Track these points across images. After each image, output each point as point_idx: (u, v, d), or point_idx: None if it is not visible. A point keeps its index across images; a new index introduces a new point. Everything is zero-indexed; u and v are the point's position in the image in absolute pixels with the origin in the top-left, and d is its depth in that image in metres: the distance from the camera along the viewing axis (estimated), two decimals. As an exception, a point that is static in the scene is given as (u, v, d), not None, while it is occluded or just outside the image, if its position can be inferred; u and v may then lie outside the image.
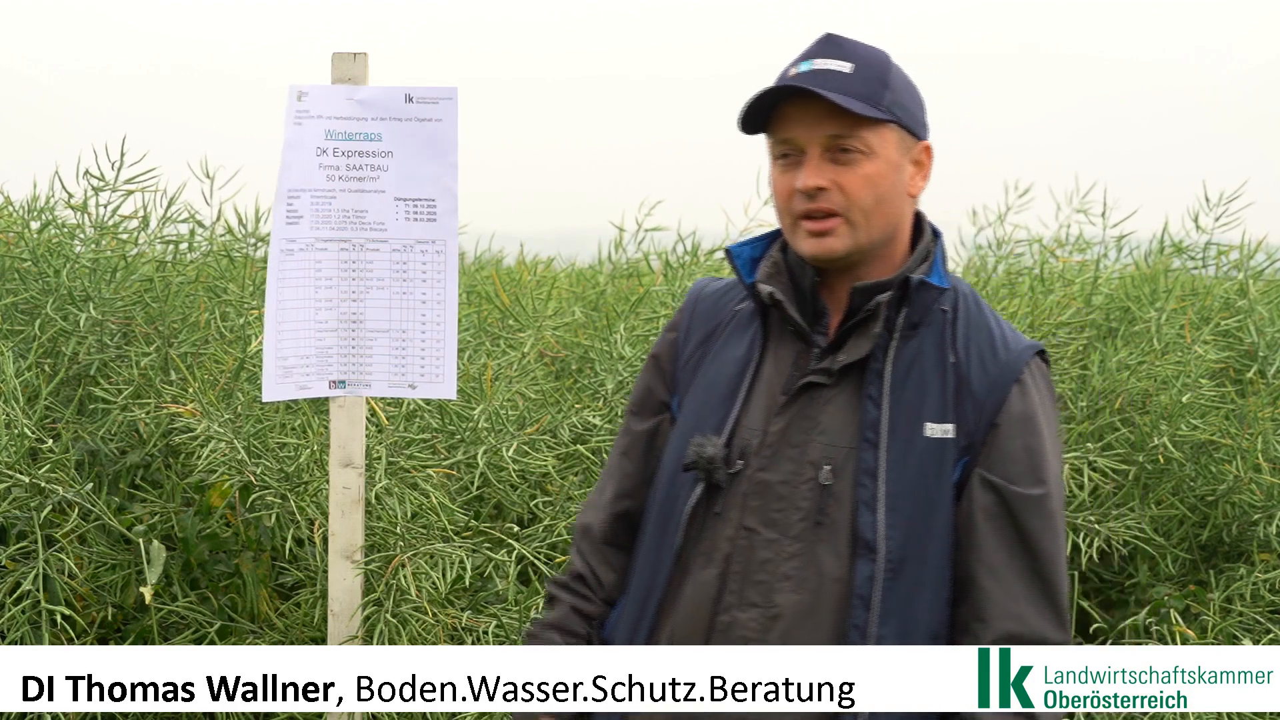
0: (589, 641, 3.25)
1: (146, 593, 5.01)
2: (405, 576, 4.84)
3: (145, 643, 5.08)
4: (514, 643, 4.91)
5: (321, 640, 5.02)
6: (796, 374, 3.12)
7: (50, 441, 5.22)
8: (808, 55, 3.10)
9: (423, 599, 4.86)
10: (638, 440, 3.31)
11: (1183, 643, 5.25)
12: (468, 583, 4.93)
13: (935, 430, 3.04)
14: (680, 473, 3.14)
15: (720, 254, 7.10)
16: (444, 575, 4.91)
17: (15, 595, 4.96)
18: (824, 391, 3.09)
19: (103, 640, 5.17)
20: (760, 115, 3.10)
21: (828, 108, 3.03)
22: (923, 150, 3.14)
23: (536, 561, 5.03)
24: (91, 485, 5.23)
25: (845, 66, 3.07)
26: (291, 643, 5.14)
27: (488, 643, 4.92)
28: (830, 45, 3.11)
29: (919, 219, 3.19)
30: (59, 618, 4.96)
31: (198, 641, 5.17)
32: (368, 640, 4.76)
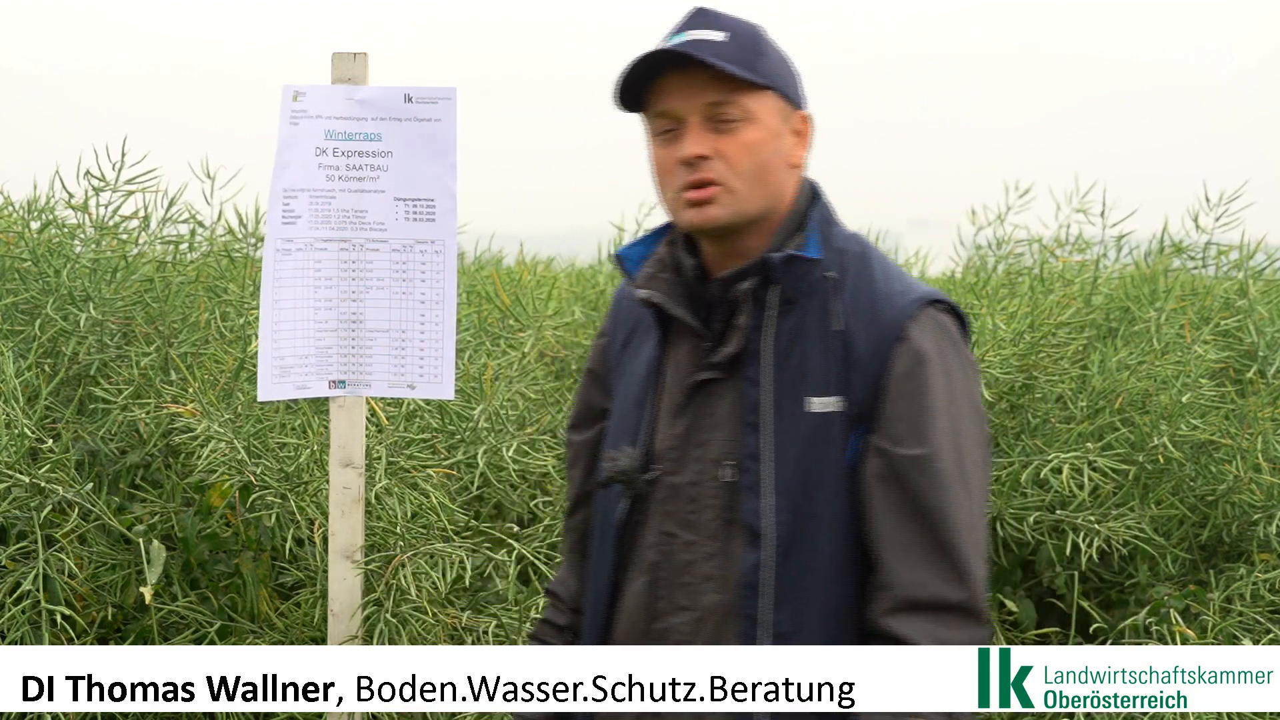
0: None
1: (146, 593, 5.01)
2: (405, 576, 4.84)
3: (145, 643, 5.08)
4: (514, 643, 4.92)
5: (321, 640, 5.02)
6: (693, 371, 3.09)
7: (50, 441, 5.23)
8: (680, 28, 3.05)
9: (423, 599, 4.86)
10: (582, 451, 3.30)
11: (1183, 643, 5.25)
12: (468, 583, 4.93)
13: (818, 404, 2.97)
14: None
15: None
16: (444, 575, 4.91)
17: (15, 595, 4.97)
18: (718, 386, 3.05)
19: (103, 640, 5.17)
20: (635, 92, 3.06)
21: (706, 76, 2.98)
22: (801, 120, 3.07)
23: (536, 561, 5.02)
24: (91, 485, 5.23)
25: (719, 35, 3.02)
26: (291, 643, 5.14)
27: (488, 643, 4.92)
28: (702, 17, 3.06)
29: (801, 186, 3.11)
30: (59, 618, 4.96)
31: (198, 641, 5.17)
32: (368, 640, 4.76)
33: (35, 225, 6.19)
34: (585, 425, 3.31)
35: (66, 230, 6.18)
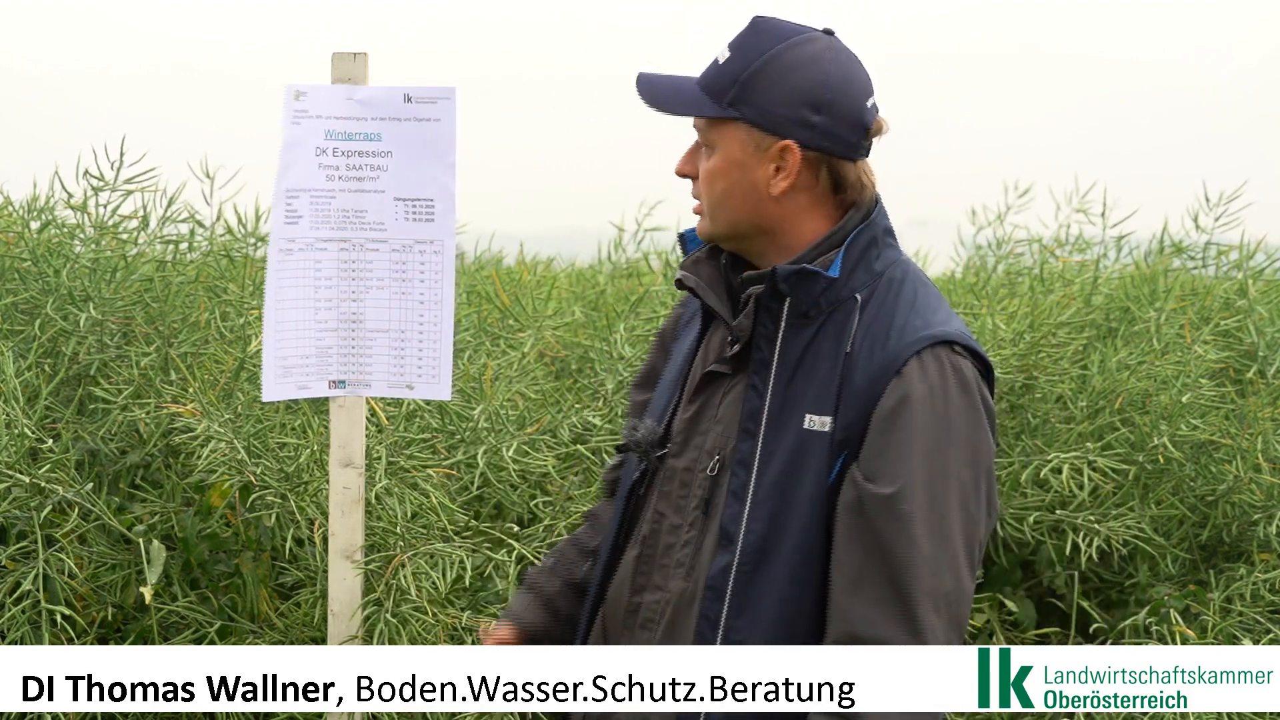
0: (570, 568, 3.43)
1: (146, 593, 5.01)
2: (405, 576, 4.84)
3: (145, 643, 5.08)
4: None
5: (321, 640, 5.02)
6: (710, 361, 3.14)
7: (50, 441, 5.22)
8: None
9: (423, 599, 4.86)
10: (638, 409, 3.36)
11: (1183, 643, 5.25)
12: (468, 583, 4.93)
13: (814, 422, 2.98)
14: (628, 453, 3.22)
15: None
16: (444, 575, 4.91)
17: (15, 595, 4.96)
18: (725, 381, 3.10)
19: (103, 640, 5.17)
20: None
21: None
22: (780, 150, 3.05)
23: (536, 561, 5.02)
24: (91, 485, 5.22)
25: (725, 55, 3.07)
26: (291, 643, 5.14)
27: (487, 643, 4.92)
28: (742, 31, 3.09)
29: (853, 209, 3.10)
30: (59, 618, 4.96)
31: (198, 641, 5.17)
32: (368, 640, 4.76)
33: (35, 225, 6.19)
34: (646, 385, 3.39)
35: (66, 230, 6.17)
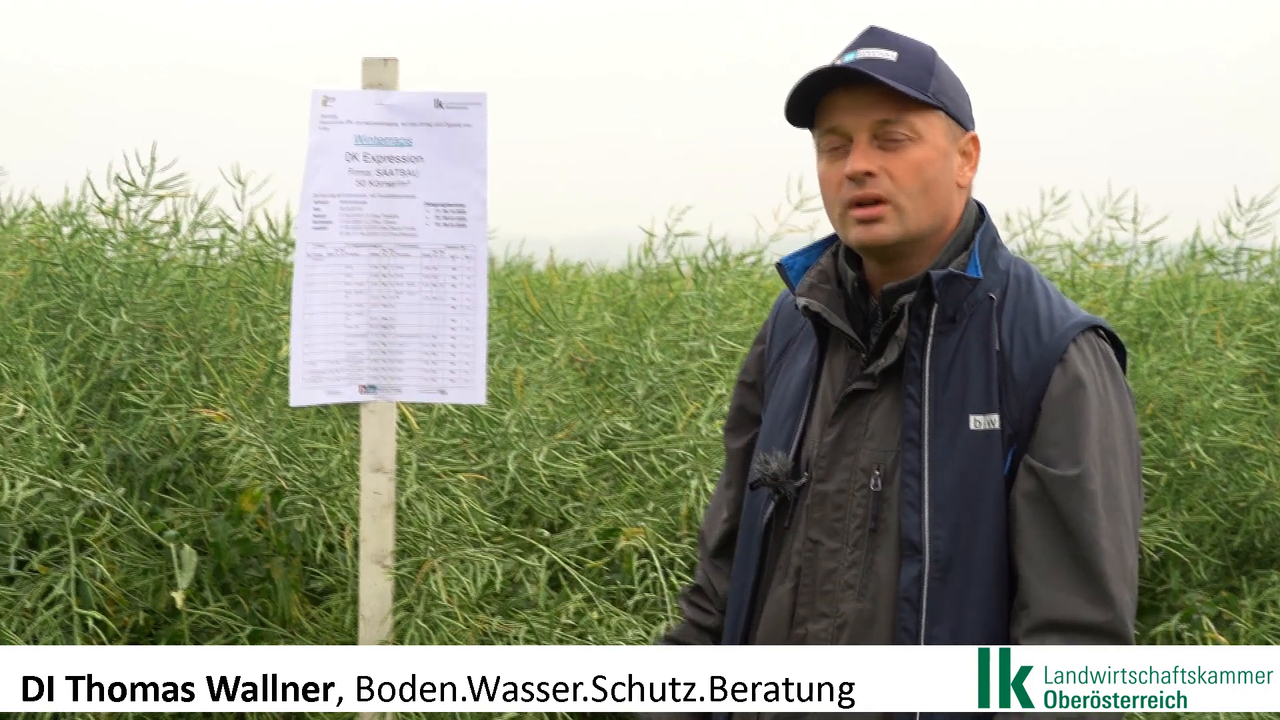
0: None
1: (178, 597, 5.03)
2: (436, 581, 4.85)
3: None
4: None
5: (352, 645, 5.03)
6: (848, 381, 3.12)
7: (82, 446, 5.25)
8: (852, 46, 3.09)
9: (453, 604, 4.87)
10: (735, 456, 3.33)
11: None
12: (498, 588, 4.94)
13: (980, 422, 3.00)
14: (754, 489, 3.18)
15: (750, 259, 7.14)
16: (474, 580, 4.92)
17: (48, 600, 4.99)
18: (870, 397, 3.08)
19: (134, 644, 5.19)
20: (806, 108, 3.09)
21: (875, 94, 3.02)
22: (970, 141, 3.11)
23: (567, 566, 5.04)
24: (123, 490, 5.25)
25: (891, 55, 3.05)
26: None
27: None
28: (875, 36, 3.09)
29: (968, 207, 3.15)
30: (91, 622, 4.98)
31: (229, 645, 5.18)
32: (399, 645, 4.77)
33: (67, 230, 6.22)
34: (741, 430, 3.34)
35: (98, 235, 6.21)
